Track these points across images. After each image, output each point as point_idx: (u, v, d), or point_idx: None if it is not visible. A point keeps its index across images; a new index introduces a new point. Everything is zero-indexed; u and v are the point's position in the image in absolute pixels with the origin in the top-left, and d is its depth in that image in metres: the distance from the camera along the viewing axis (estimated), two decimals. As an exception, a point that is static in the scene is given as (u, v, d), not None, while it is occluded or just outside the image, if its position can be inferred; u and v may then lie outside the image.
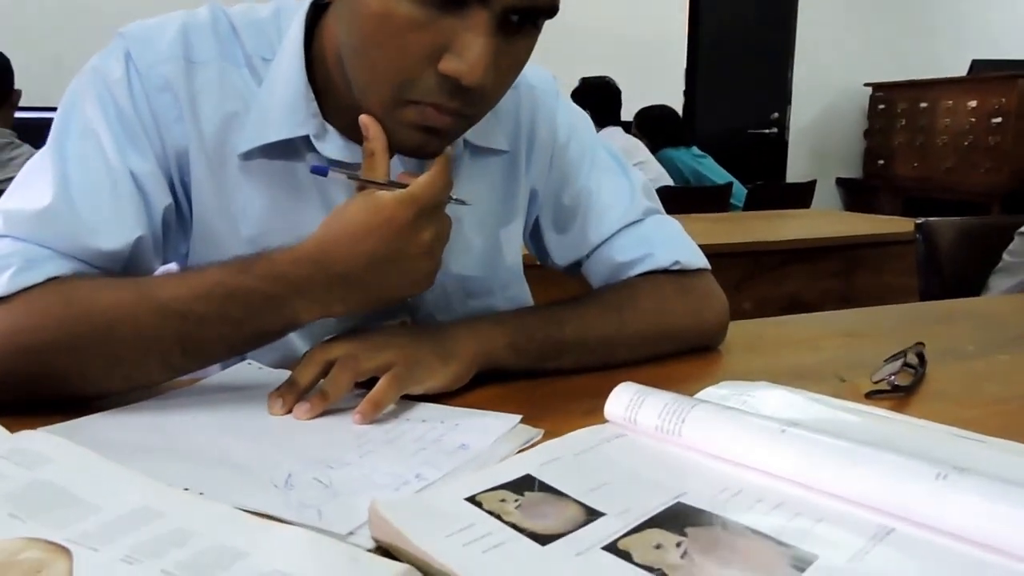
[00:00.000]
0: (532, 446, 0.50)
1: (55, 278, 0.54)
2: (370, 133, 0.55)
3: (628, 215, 0.74)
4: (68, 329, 0.52)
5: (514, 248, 0.76)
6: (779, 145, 5.13)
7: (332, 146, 0.62)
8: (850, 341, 0.80)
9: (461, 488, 0.42)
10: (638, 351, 0.68)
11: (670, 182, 3.02)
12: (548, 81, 0.76)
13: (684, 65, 4.75)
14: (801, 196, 3.30)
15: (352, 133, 0.61)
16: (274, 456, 0.48)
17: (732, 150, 4.37)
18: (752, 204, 3.11)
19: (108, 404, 0.55)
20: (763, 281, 1.81)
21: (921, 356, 0.67)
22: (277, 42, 0.62)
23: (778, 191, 3.47)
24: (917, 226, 1.48)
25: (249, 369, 0.64)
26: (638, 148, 3.04)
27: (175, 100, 0.59)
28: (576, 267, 0.78)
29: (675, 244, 0.74)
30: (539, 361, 0.64)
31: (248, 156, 0.61)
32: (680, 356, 0.70)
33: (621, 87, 3.16)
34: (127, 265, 0.59)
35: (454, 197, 0.57)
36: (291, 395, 0.55)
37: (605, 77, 3.12)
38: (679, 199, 2.82)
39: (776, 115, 5.06)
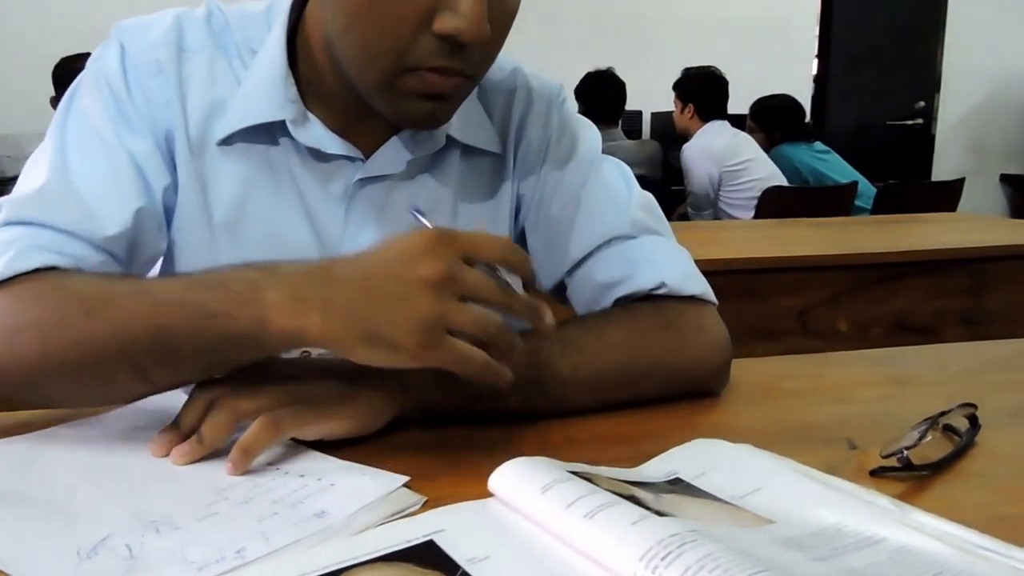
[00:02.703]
0: (408, 515, 0.43)
1: (53, 267, 0.54)
2: None
3: (615, 229, 0.68)
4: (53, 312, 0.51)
5: None
6: (924, 138, 4.69)
7: (311, 134, 0.63)
8: (897, 391, 0.65)
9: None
10: (601, 394, 0.59)
11: (783, 181, 2.80)
12: (551, 88, 0.74)
13: (815, 48, 4.46)
14: (946, 196, 2.96)
15: (334, 124, 0.64)
16: (111, 510, 0.44)
17: (868, 145, 4.03)
18: (884, 207, 2.81)
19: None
20: (865, 297, 1.60)
21: (973, 419, 0.53)
22: (267, 34, 0.64)
23: (917, 191, 3.13)
24: (1066, 236, 1.26)
25: (152, 402, 0.60)
26: (746, 144, 2.84)
27: (166, 84, 0.62)
28: (562, 292, 0.72)
29: (666, 265, 0.65)
30: (477, 402, 0.56)
31: (226, 141, 0.63)
32: (661, 403, 0.60)
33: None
34: (131, 242, 0.60)
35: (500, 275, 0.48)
36: (170, 437, 0.51)
37: (710, 67, 2.94)
38: (790, 200, 2.61)
39: (922, 104, 4.63)
